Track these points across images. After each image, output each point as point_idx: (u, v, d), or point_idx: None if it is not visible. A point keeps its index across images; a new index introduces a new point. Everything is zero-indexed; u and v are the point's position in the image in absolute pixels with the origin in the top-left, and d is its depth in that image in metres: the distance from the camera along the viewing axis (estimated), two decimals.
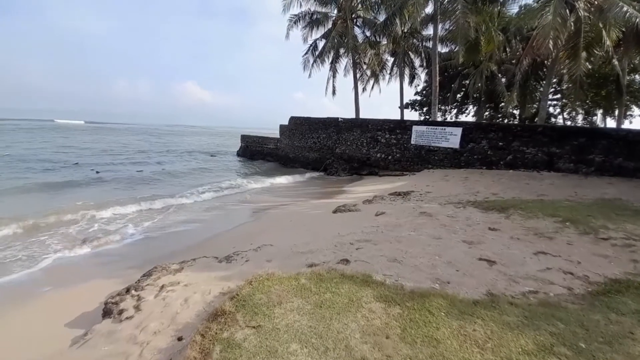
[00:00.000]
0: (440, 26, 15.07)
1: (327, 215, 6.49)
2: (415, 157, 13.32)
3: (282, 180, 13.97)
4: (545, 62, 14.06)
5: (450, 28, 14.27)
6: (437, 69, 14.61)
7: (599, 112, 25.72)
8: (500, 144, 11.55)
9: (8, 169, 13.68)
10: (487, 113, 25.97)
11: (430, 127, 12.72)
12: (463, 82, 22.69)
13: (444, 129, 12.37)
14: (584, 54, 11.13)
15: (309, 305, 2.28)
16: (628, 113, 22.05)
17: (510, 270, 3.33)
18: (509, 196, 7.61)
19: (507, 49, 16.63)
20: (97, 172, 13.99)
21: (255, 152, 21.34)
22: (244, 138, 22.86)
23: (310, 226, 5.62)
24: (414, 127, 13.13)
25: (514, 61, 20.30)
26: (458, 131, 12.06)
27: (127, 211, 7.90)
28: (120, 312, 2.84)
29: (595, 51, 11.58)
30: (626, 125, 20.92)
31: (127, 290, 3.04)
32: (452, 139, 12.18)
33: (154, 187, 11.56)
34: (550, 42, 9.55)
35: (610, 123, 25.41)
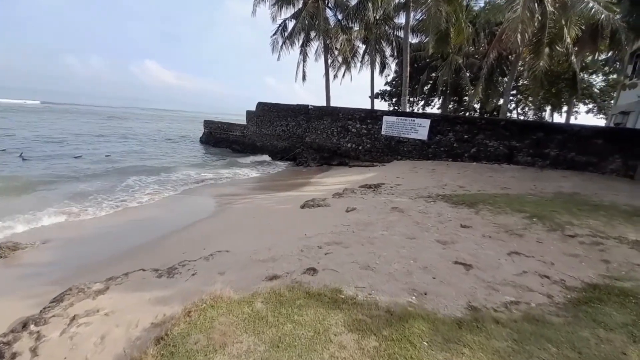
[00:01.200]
0: (412, 15, 14.86)
1: (295, 211, 5.98)
2: (386, 148, 13.21)
3: (248, 170, 13.14)
4: (510, 57, 14.54)
5: (422, 17, 14.09)
6: (408, 58, 14.44)
7: (548, 108, 27.89)
8: (466, 136, 11.77)
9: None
10: (451, 106, 26.88)
11: (400, 117, 12.61)
12: (431, 75, 23.06)
13: (413, 120, 12.33)
14: (546, 50, 11.56)
15: (263, 346, 1.78)
16: (574, 109, 23.97)
17: (488, 276, 3.11)
18: (474, 189, 7.66)
19: (475, 42, 16.94)
20: (23, 159, 12.01)
21: (221, 139, 19.96)
22: (208, 124, 21.24)
23: (276, 224, 5.08)
24: (385, 118, 12.93)
25: (477, 56, 20.98)
26: (426, 123, 12.08)
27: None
28: (13, 357, 2.11)
29: (557, 47, 12.08)
30: (572, 120, 22.78)
31: (24, 326, 2.29)
32: (421, 130, 12.18)
33: (100, 178, 10.11)
34: (519, 35, 9.68)
35: (557, 119, 27.71)
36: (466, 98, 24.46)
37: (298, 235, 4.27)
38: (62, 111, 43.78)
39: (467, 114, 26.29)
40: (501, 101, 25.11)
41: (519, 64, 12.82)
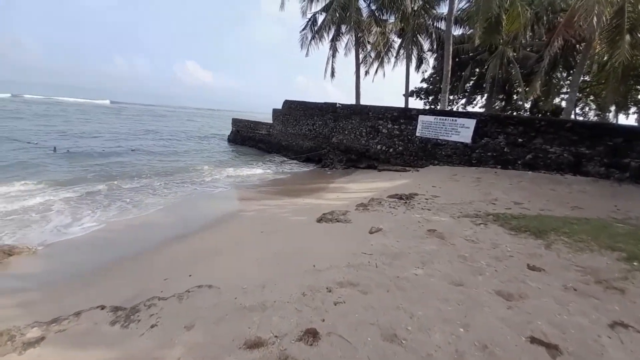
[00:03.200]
0: (456, 2, 13.20)
1: (309, 227, 5.06)
2: (420, 151, 11.79)
3: (270, 171, 12.52)
4: (578, 46, 12.28)
5: (468, 3, 12.40)
6: (451, 50, 12.81)
7: (613, 108, 24.00)
8: (520, 140, 9.99)
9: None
10: (497, 104, 24.21)
11: (439, 117, 11.11)
12: (475, 70, 20.82)
13: (455, 121, 10.77)
14: (627, 38, 9.41)
15: None
16: None
17: None
18: (535, 208, 6.17)
19: (534, 30, 14.62)
20: (54, 150, 12.52)
21: (247, 137, 19.71)
22: (235, 122, 21.14)
23: (283, 244, 4.19)
24: (420, 117, 11.51)
25: (533, 48, 18.40)
26: (471, 123, 10.47)
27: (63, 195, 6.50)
28: None
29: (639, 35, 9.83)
30: None
31: None
32: (464, 132, 10.60)
33: (117, 175, 10.04)
34: (595, 18, 7.82)
35: (622, 121, 23.84)
36: (515, 96, 21.81)
37: (305, 265, 3.34)
38: (121, 110, 47.02)
39: (514, 114, 23.50)
40: (557, 100, 22.19)
41: (593, 53, 10.63)
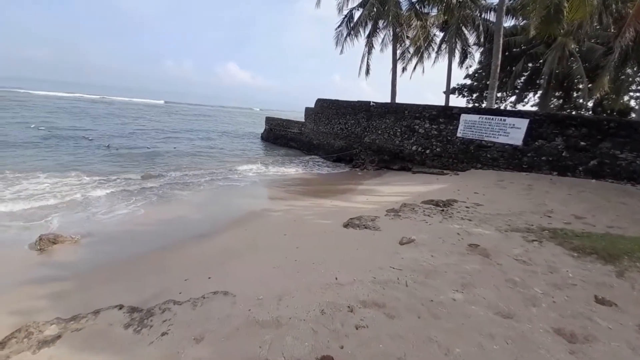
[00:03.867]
0: None
1: (334, 232, 4.78)
2: (461, 153, 10.86)
3: (300, 170, 12.44)
4: None
5: None
6: (501, 42, 11.62)
7: None
8: (583, 143, 8.71)
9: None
10: (553, 103, 21.71)
11: (484, 116, 10.12)
12: (528, 64, 18.84)
13: (504, 120, 9.72)
14: None
15: None
16: None
17: None
18: (602, 224, 5.24)
19: (602, 19, 12.72)
20: (108, 146, 13.65)
21: (279, 136, 19.94)
22: (269, 120, 21.51)
23: (305, 251, 3.96)
24: (463, 116, 10.59)
25: (596, 40, 16.09)
26: (523, 123, 9.37)
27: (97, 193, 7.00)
28: None
29: None
30: None
31: None
32: (514, 133, 9.52)
33: (157, 171, 10.62)
34: None
35: None
36: (576, 93, 19.38)
37: (326, 276, 3.07)
38: (172, 109, 50.65)
39: (574, 113, 20.89)
40: (626, 99, 19.21)
41: None
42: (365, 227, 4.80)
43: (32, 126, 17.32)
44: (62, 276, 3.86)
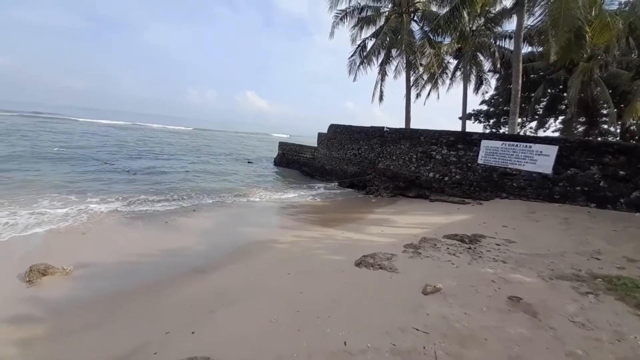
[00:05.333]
0: (525, 17, 11.74)
1: (345, 273, 4.17)
2: (483, 181, 10.13)
3: (311, 196, 11.99)
4: None
5: (543, 17, 10.88)
6: (520, 66, 11.24)
7: None
8: (622, 172, 7.86)
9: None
10: (576, 129, 20.74)
11: (507, 142, 9.48)
12: (548, 90, 18.28)
13: (529, 147, 9.04)
14: None
15: None
16: None
17: None
18: None
19: (629, 42, 12.21)
20: (126, 170, 13.79)
21: (292, 160, 19.82)
22: (282, 146, 21.57)
23: (308, 300, 3.36)
24: (484, 142, 10.00)
25: (620, 65, 15.45)
26: (551, 150, 8.65)
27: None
28: None
29: None
30: None
31: None
32: (542, 160, 8.79)
33: (167, 196, 10.44)
34: None
35: None
36: (601, 119, 18.47)
37: (333, 340, 2.46)
38: (197, 135, 52.48)
39: (600, 139, 19.74)
40: None
41: None
42: (381, 267, 4.17)
43: (55, 149, 18.00)
44: (40, 318, 3.43)
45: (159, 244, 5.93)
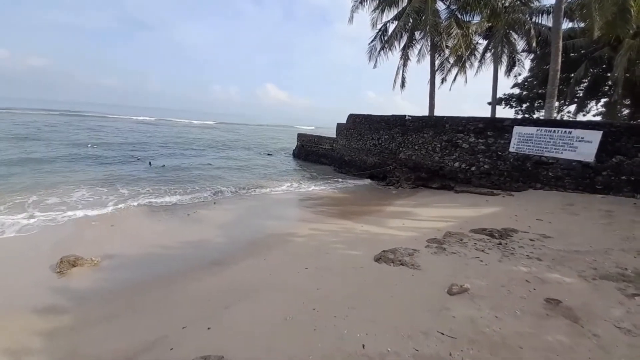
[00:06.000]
0: None
1: (364, 269, 4.01)
2: (515, 171, 9.44)
3: (329, 188, 11.84)
4: None
5: None
6: (560, 45, 10.22)
7: None
8: None
9: None
10: (621, 112, 18.78)
11: (544, 128, 8.70)
12: (590, 70, 16.59)
13: (569, 133, 8.24)
14: None
15: None
16: None
17: None
18: None
19: None
20: (151, 164, 14.34)
21: (310, 152, 19.68)
22: (300, 137, 21.44)
23: (326, 297, 3.25)
24: (516, 129, 9.26)
25: None
26: (595, 136, 7.84)
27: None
28: None
29: None
30: None
31: None
32: (583, 147, 8.00)
33: (183, 187, 10.73)
34: None
35: None
36: None
37: (350, 342, 2.34)
38: (221, 129, 54.04)
39: None
40: None
41: None
42: (402, 264, 3.97)
43: (89, 145, 19.09)
44: (67, 308, 3.60)
45: (180, 236, 6.07)
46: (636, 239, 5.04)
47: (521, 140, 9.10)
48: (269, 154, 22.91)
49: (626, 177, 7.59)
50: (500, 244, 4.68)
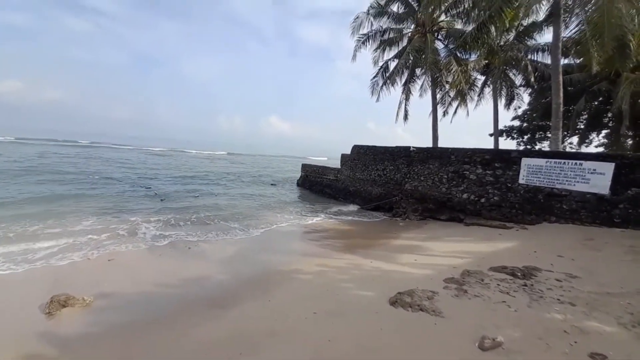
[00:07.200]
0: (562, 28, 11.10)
1: (379, 314, 3.65)
2: (526, 203, 9.17)
3: (335, 219, 11.55)
4: None
5: (581, 26, 10.22)
6: (560, 79, 10.47)
7: None
8: None
9: None
10: (626, 143, 18.82)
11: (553, 160, 8.59)
12: (590, 103, 16.94)
13: (580, 165, 8.10)
14: None
15: None
16: None
17: None
18: None
19: None
20: (156, 194, 14.23)
21: (315, 182, 19.62)
22: (305, 167, 21.56)
23: (337, 350, 2.89)
24: (524, 160, 9.16)
25: None
26: (607, 168, 7.67)
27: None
28: None
29: None
30: None
31: None
32: (596, 179, 7.80)
33: (188, 221, 10.49)
34: None
35: None
36: None
37: None
38: (229, 159, 54.97)
39: None
40: None
41: None
42: (421, 309, 3.61)
43: (97, 177, 19.19)
44: (52, 357, 3.24)
45: (180, 272, 5.74)
46: None
47: (530, 172, 8.95)
48: (272, 184, 22.88)
49: None
50: (525, 285, 4.31)
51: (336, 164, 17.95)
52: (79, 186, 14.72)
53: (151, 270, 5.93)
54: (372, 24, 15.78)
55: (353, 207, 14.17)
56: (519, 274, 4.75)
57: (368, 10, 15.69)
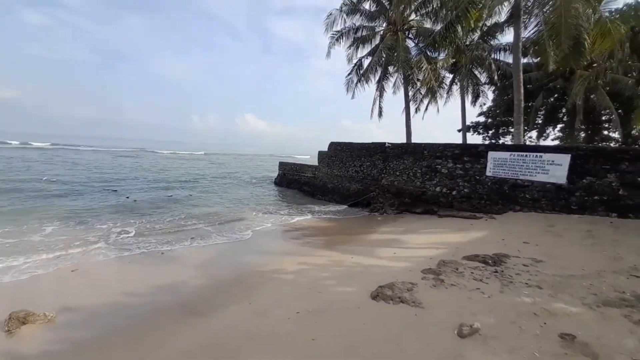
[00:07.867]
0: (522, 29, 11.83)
1: (361, 309, 3.67)
2: (494, 194, 9.71)
3: (314, 217, 11.52)
4: None
5: (539, 27, 10.94)
6: (521, 78, 11.15)
7: None
8: None
9: None
10: (579, 136, 20.60)
11: (516, 153, 9.16)
12: (547, 99, 18.29)
13: (540, 157, 8.71)
14: None
15: None
16: None
17: None
18: None
19: (626, 47, 12.22)
20: (128, 198, 13.37)
21: (292, 180, 19.47)
22: (282, 165, 21.31)
23: (322, 349, 2.86)
24: (491, 154, 9.68)
25: (621, 71, 15.50)
26: (564, 159, 8.31)
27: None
28: None
29: None
30: None
31: None
32: (554, 170, 8.43)
33: (159, 223, 9.99)
34: None
35: None
36: (606, 125, 18.36)
37: None
38: (205, 158, 52.81)
39: (601, 145, 19.56)
40: None
41: None
42: (402, 301, 3.68)
43: (44, 178, 17.62)
44: None
45: (151, 279, 5.42)
46: (623, 259, 5.12)
47: (496, 165, 9.48)
48: (250, 183, 22.40)
49: (598, 197, 7.99)
50: (496, 271, 4.54)
51: (316, 161, 17.93)
52: (34, 194, 13.45)
53: (119, 279, 5.54)
54: (345, 21, 15.89)
55: (332, 204, 14.24)
56: (490, 261, 5.01)
57: (341, 8, 15.76)
